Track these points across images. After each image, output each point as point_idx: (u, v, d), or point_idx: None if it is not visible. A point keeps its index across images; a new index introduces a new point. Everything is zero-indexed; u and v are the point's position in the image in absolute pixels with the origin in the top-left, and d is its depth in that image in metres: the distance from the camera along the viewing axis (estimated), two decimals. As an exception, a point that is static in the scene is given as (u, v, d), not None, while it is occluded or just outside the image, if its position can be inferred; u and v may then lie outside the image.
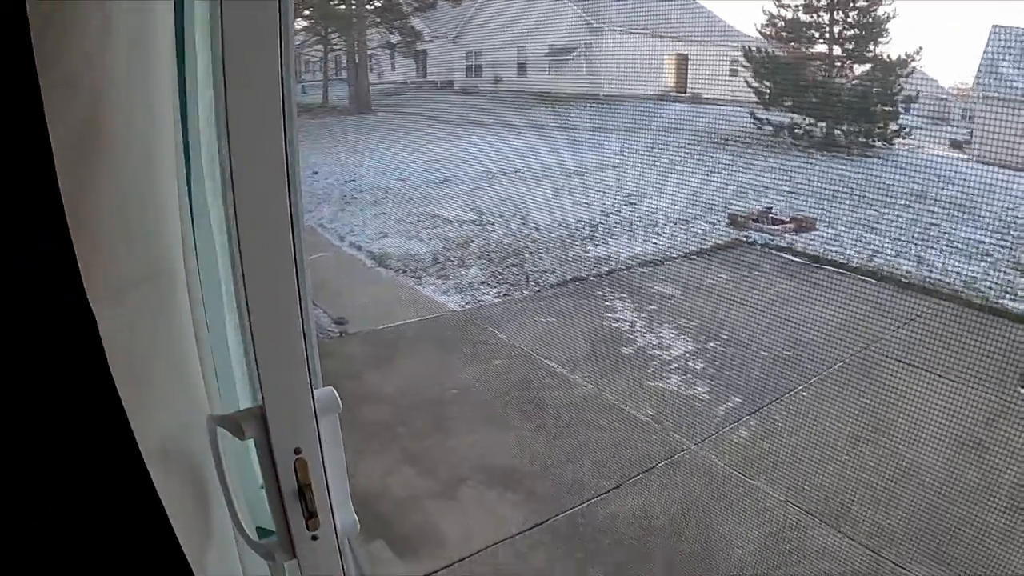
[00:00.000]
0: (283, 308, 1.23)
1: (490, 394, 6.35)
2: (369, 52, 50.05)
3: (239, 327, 1.95)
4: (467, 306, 8.88)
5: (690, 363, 6.86)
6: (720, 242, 11.71)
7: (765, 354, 7.08)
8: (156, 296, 1.28)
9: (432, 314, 8.54)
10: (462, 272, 10.34)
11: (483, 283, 9.79)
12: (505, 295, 9.29)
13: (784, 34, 27.79)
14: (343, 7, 44.91)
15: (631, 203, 14.81)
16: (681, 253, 11.01)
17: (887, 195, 16.75)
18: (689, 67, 44.51)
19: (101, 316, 1.01)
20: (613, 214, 13.84)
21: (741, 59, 28.84)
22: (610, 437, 5.73)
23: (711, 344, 7.30)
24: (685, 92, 44.44)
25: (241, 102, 1.14)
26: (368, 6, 45.70)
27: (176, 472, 1.27)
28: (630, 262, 10.51)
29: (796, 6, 27.35)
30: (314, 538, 1.34)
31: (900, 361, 7.07)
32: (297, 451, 1.29)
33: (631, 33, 42.77)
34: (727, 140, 25.48)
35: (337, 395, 1.35)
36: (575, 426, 5.82)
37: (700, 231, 12.51)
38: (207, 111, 1.72)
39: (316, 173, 22.04)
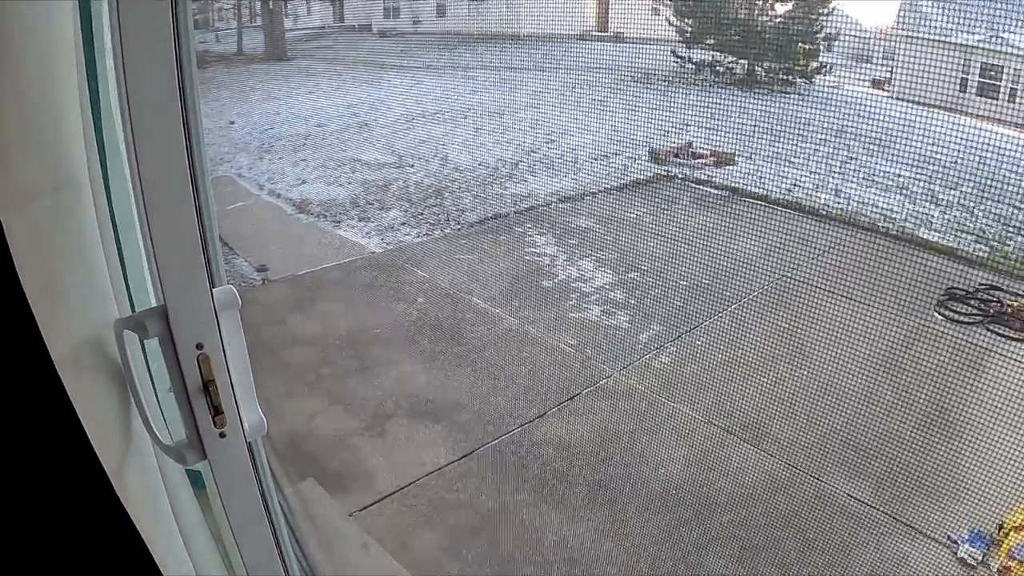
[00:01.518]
0: (179, 207, 1.23)
1: (413, 332, 6.33)
2: (283, -2, 49.04)
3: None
4: (388, 247, 8.80)
5: (611, 294, 6.90)
6: (641, 177, 11.75)
7: (684, 283, 7.14)
8: (62, 205, 1.30)
9: (353, 257, 8.46)
10: (382, 215, 10.24)
11: (403, 224, 9.71)
12: (426, 235, 9.23)
13: (705, -29, 27.90)
14: (255, -49, 43.84)
15: (551, 141, 14.78)
16: (601, 188, 11.04)
17: (806, 130, 16.97)
18: (610, 5, 44.47)
19: (8, 226, 1.00)
20: (533, 152, 13.81)
21: (664, -4, 28.98)
22: (533, 368, 5.76)
23: (631, 275, 7.35)
24: (607, 31, 44.52)
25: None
26: (280, -51, 44.70)
27: (90, 380, 1.26)
28: (550, 198, 10.51)
29: (718, -60, 27.43)
30: (222, 435, 1.34)
31: (819, 288, 7.22)
32: (199, 346, 1.29)
33: (551, -29, 42.39)
34: (649, 78, 25.57)
35: (236, 293, 1.34)
36: (499, 359, 5.83)
37: (621, 167, 12.54)
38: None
39: (233, 123, 21.62)
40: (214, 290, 1.31)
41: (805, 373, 5.78)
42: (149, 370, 1.60)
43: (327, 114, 21.19)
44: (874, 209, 10.59)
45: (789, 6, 25.96)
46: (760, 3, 25.79)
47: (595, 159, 12.99)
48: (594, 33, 43.76)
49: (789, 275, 7.56)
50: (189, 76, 1.33)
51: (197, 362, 1.30)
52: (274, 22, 43.55)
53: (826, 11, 24.41)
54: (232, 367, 1.34)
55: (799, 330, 6.28)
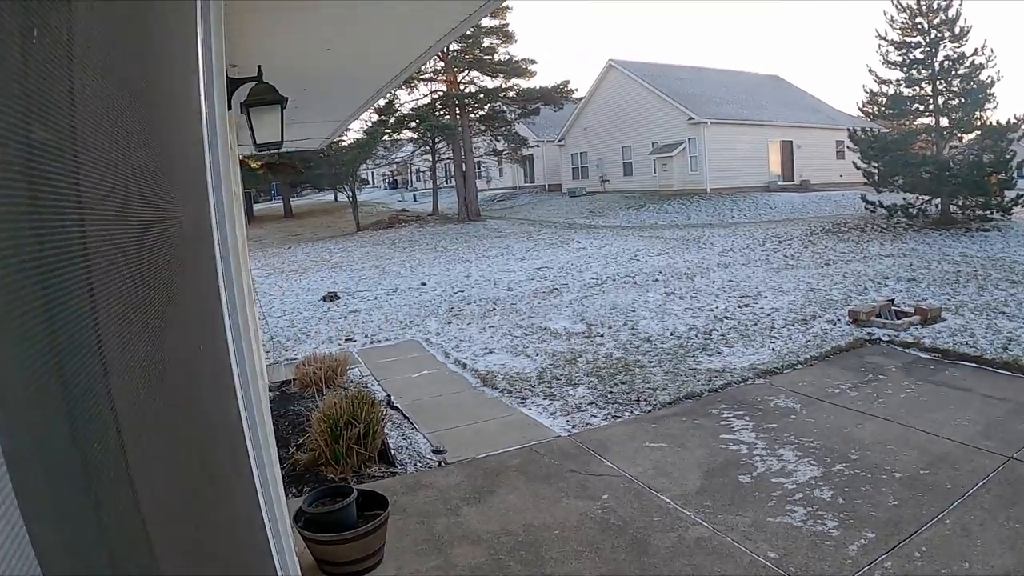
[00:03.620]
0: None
1: (595, 535, 5.91)
2: (476, 160, 51.08)
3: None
4: (574, 430, 8.52)
5: (816, 492, 6.30)
6: (842, 343, 11.15)
7: (898, 475, 6.48)
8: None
9: (537, 440, 8.18)
10: (569, 392, 10.01)
11: (591, 403, 9.43)
12: (614, 416, 8.90)
13: (887, 111, 27.27)
14: (448, 118, 46.06)
15: (745, 305, 14.29)
16: (801, 359, 10.47)
17: (1012, 272, 15.90)
18: (794, 153, 44.22)
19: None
20: (727, 318, 13.36)
21: (847, 141, 28.49)
22: (730, 587, 5.21)
23: (838, 467, 6.73)
24: (792, 180, 44.12)
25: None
26: (473, 115, 46.82)
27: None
28: (747, 373, 10.02)
29: (897, 80, 26.86)
30: None
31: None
32: None
33: (733, 124, 42.72)
34: (839, 227, 24.87)
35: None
36: None
37: (820, 331, 11.96)
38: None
39: (424, 284, 22.21)
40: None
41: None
42: None
43: (516, 278, 21.48)
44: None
45: (976, 135, 24.92)
46: (946, 135, 24.82)
47: (792, 324, 12.45)
48: (779, 183, 43.36)
49: (1017, 456, 6.77)
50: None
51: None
52: (467, 183, 45.41)
53: (1016, 136, 23.23)
54: None
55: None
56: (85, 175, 0.98)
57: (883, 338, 11.31)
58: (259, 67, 5.69)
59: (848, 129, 28.60)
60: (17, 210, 0.78)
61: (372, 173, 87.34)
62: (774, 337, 11.85)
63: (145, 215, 1.27)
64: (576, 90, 48.46)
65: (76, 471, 0.86)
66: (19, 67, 0.79)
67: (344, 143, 45.16)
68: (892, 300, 13.24)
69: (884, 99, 27.64)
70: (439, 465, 7.87)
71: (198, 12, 2.40)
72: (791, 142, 45.56)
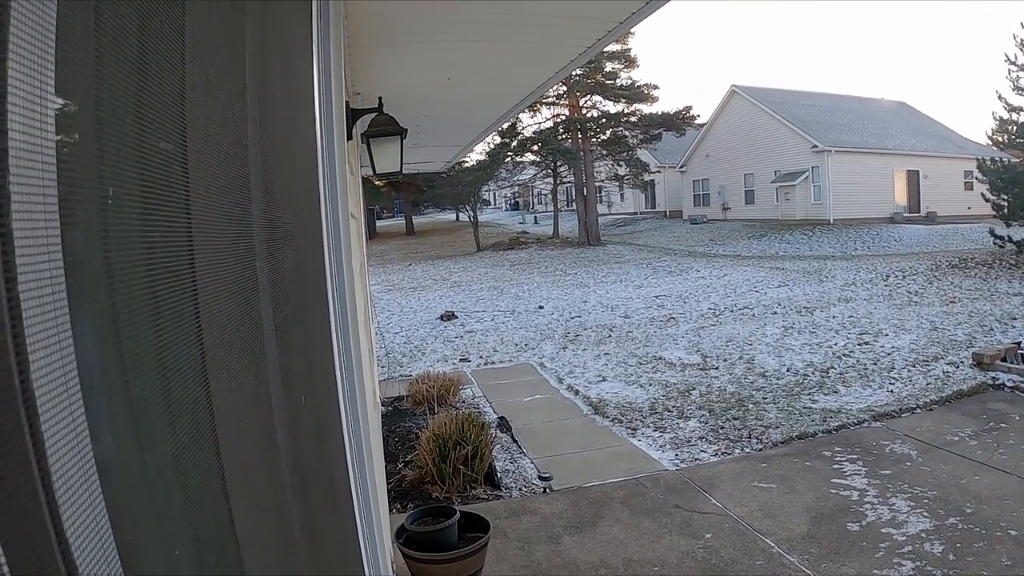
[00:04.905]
0: None
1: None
2: (597, 184, 51.10)
3: None
4: (682, 465, 8.45)
5: (926, 546, 6.10)
6: (964, 387, 10.74)
7: (1014, 533, 6.22)
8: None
9: (644, 472, 8.14)
10: (680, 425, 9.92)
11: (701, 438, 9.33)
12: (724, 453, 8.78)
13: (1018, 139, 26.10)
14: (570, 142, 46.25)
15: (864, 342, 13.94)
16: (920, 402, 10.14)
17: None
18: (921, 183, 42.83)
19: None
20: (845, 356, 13.05)
21: (975, 171, 27.41)
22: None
23: (951, 520, 6.49)
24: (918, 211, 42.77)
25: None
26: (594, 139, 46.91)
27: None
28: (863, 414, 9.76)
29: (1029, 106, 25.68)
30: None
31: None
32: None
33: (857, 152, 41.74)
34: (966, 263, 23.97)
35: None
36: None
37: (942, 373, 11.56)
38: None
39: (542, 308, 22.29)
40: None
41: None
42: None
43: (634, 305, 21.41)
44: None
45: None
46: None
47: (913, 364, 12.08)
48: (904, 214, 42.09)
49: None
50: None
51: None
52: (588, 207, 45.47)
53: None
54: None
55: None
56: (198, 220, 1.04)
57: (1007, 384, 10.86)
58: (380, 99, 5.85)
59: (977, 159, 27.61)
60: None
61: (494, 194, 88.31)
62: (893, 378, 11.51)
63: (251, 251, 1.33)
64: (698, 116, 48.13)
65: (171, 482, 0.92)
66: (134, 99, 0.86)
67: (467, 164, 45.79)
68: (1019, 343, 12.70)
69: (1014, 127, 26.54)
70: (544, 491, 7.91)
71: (315, 43, 2.50)
72: (917, 172, 44.21)
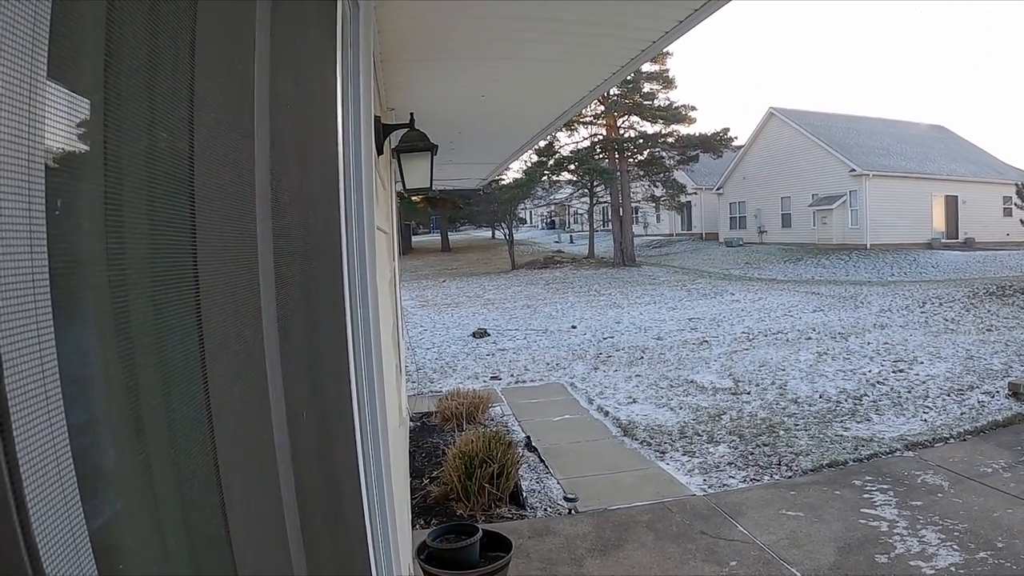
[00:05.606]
0: None
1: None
2: (634, 205, 51.04)
3: None
4: (710, 490, 8.35)
5: (956, 581, 5.97)
6: (999, 418, 10.54)
7: (1048, 570, 6.07)
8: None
9: (671, 497, 8.05)
10: (709, 449, 9.82)
11: (730, 463, 9.23)
12: (752, 479, 8.67)
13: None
14: (607, 162, 46.25)
15: (899, 370, 13.75)
16: (953, 432, 9.96)
17: None
18: (959, 208, 42.34)
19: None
20: (879, 383, 12.87)
21: (1015, 197, 27.03)
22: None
23: (981, 554, 6.35)
24: (956, 237, 42.28)
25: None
26: (631, 160, 46.89)
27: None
28: (895, 443, 9.60)
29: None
30: None
31: None
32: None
33: (895, 176, 41.37)
34: (1004, 290, 23.60)
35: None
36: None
37: (976, 403, 11.37)
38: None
39: (574, 327, 22.24)
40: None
41: None
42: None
43: (667, 327, 21.29)
44: None
45: None
46: None
47: (947, 393, 11.90)
48: (942, 240, 41.65)
49: None
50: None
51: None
52: (624, 228, 45.42)
53: None
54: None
55: None
56: (203, 235, 1.03)
57: (1045, 416, 10.67)
58: (411, 114, 5.86)
59: (1016, 184, 27.27)
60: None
61: (530, 212, 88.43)
62: (927, 407, 11.33)
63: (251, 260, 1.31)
64: (736, 138, 47.97)
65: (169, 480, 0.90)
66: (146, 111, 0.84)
67: (503, 182, 45.97)
68: (1059, 374, 12.48)
69: (1055, 153, 26.22)
70: (569, 512, 7.86)
71: (338, 57, 2.49)
72: (956, 197, 43.73)
